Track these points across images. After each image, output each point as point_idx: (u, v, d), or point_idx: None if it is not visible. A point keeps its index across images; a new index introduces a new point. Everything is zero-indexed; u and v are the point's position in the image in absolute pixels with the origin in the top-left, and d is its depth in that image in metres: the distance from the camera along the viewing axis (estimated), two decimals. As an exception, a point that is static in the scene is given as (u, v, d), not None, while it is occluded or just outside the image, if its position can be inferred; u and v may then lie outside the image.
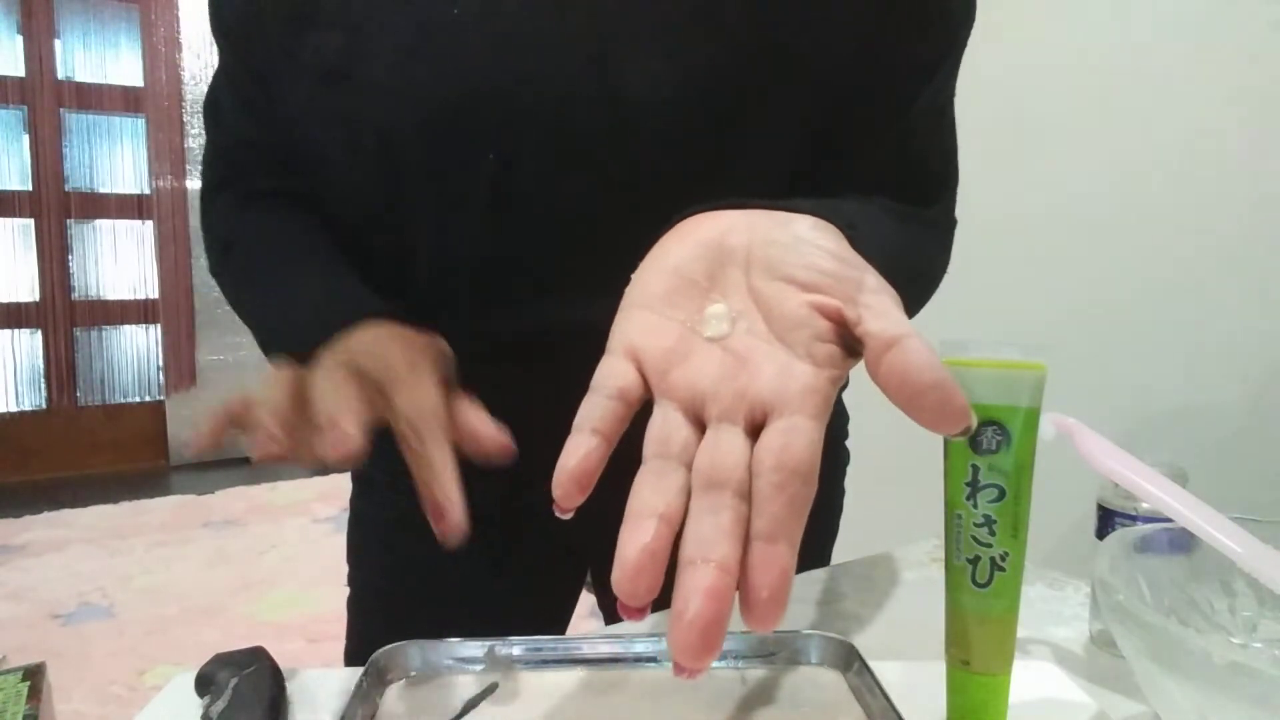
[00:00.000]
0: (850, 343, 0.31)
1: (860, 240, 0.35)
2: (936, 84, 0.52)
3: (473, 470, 0.40)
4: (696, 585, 0.25)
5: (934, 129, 0.55)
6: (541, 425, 0.39)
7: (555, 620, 0.71)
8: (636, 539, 0.27)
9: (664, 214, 0.37)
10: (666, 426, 0.30)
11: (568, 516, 0.30)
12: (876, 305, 0.31)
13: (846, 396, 0.71)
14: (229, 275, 0.59)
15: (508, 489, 0.57)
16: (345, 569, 0.69)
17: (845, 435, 0.71)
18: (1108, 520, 0.52)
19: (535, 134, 0.48)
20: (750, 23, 0.47)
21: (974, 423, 0.28)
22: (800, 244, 0.33)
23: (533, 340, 0.54)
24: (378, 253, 0.55)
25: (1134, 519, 0.50)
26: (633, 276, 0.35)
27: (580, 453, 0.30)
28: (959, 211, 0.58)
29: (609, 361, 0.32)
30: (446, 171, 0.50)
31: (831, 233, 0.34)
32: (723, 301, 0.33)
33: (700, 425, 0.30)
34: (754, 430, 0.29)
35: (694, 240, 0.35)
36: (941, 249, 0.57)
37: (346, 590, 0.69)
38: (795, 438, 0.28)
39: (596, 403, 0.31)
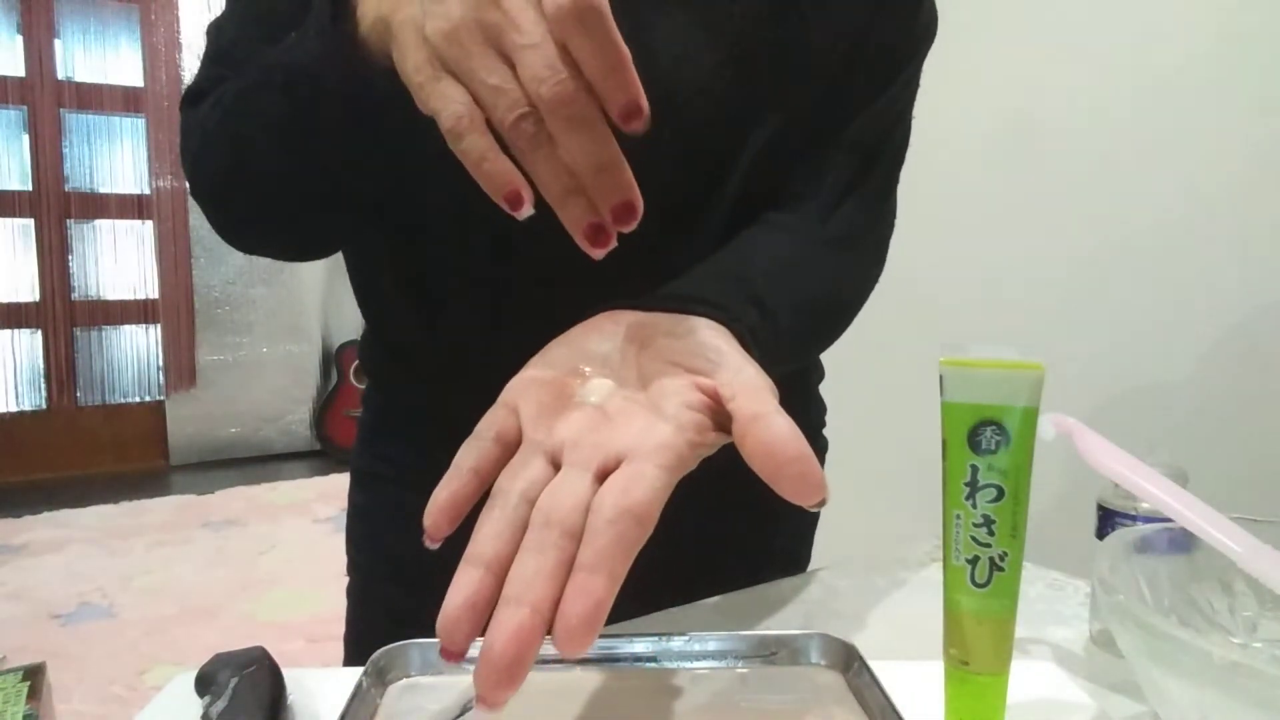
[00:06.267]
0: (722, 419, 0.33)
1: (758, 344, 0.38)
2: (898, 86, 0.54)
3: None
4: (506, 625, 0.27)
5: (886, 133, 0.56)
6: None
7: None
8: (461, 591, 0.29)
9: (665, 211, 0.39)
10: (522, 463, 0.32)
11: (435, 546, 0.32)
12: (749, 386, 0.33)
13: (833, 389, 0.71)
14: (222, 106, 0.49)
15: None
16: (345, 568, 0.69)
17: (823, 424, 0.71)
18: (1108, 520, 0.52)
19: None
20: (764, 19, 0.49)
21: (827, 495, 0.30)
22: (692, 339, 0.36)
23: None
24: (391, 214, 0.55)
25: (1134, 519, 0.50)
26: (541, 350, 0.38)
27: (453, 487, 0.32)
28: (962, 210, 0.59)
29: (492, 411, 0.35)
30: None
31: (725, 335, 0.37)
32: (610, 378, 0.36)
33: (557, 468, 0.32)
34: (604, 477, 0.31)
35: (598, 328, 0.38)
36: (862, 272, 0.58)
37: (346, 581, 0.69)
38: (637, 482, 0.30)
39: (475, 445, 0.34)
